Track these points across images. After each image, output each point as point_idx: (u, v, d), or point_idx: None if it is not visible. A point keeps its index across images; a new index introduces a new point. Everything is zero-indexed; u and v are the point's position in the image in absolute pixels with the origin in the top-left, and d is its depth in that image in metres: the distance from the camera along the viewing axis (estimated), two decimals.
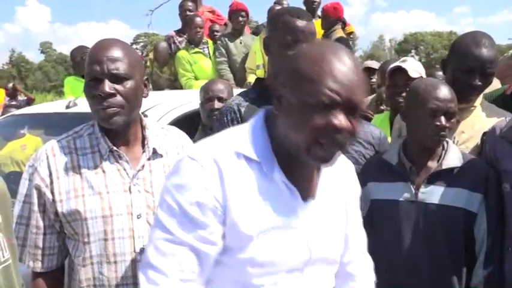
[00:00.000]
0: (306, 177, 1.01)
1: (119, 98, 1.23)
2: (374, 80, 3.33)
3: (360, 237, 1.21)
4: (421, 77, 2.20)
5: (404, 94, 2.18)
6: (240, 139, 0.98)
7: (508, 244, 1.48)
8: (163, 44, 4.52)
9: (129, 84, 1.25)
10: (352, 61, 0.92)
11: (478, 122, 1.76)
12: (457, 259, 1.53)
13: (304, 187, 1.00)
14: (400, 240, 1.56)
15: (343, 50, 0.93)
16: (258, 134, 0.99)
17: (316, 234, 1.02)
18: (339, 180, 1.10)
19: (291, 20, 1.51)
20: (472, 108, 1.79)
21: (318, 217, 1.02)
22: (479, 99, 1.83)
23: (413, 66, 2.22)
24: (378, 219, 1.64)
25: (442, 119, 1.51)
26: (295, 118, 0.92)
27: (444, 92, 1.53)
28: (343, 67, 0.89)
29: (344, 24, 4.74)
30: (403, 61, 2.27)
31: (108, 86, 1.22)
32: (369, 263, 1.23)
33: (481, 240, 1.51)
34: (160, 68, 4.39)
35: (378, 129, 2.14)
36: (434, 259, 1.53)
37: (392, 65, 2.31)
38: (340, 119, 0.88)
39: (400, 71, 2.19)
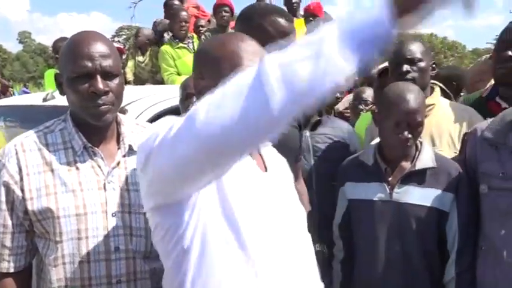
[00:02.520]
0: (252, 154, 1.11)
1: (111, 95, 1.22)
2: None
3: None
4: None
5: None
6: None
7: (481, 243, 1.52)
8: (147, 31, 4.51)
9: (117, 80, 1.24)
10: (251, 40, 1.08)
11: (443, 123, 1.86)
12: (429, 257, 1.57)
13: (256, 161, 1.11)
14: (376, 239, 1.60)
15: (241, 34, 1.12)
16: None
17: (281, 200, 1.10)
18: (280, 165, 1.21)
19: (280, 21, 1.50)
20: (431, 106, 1.87)
21: (277, 186, 1.12)
22: (436, 97, 1.92)
23: None
24: (355, 218, 1.68)
25: (405, 133, 1.56)
26: None
27: (410, 103, 1.55)
28: (248, 43, 1.06)
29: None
30: None
31: (102, 84, 1.19)
32: None
33: (452, 239, 1.56)
34: (141, 54, 4.37)
35: (344, 122, 2.18)
36: (408, 257, 1.56)
37: (380, 66, 2.35)
38: None
39: (388, 71, 2.23)
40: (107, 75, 1.21)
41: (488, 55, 2.87)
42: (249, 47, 1.05)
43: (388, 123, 1.58)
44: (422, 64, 1.87)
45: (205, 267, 0.97)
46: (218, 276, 0.97)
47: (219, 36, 1.16)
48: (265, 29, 1.49)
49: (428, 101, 1.87)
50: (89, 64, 1.19)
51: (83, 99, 1.21)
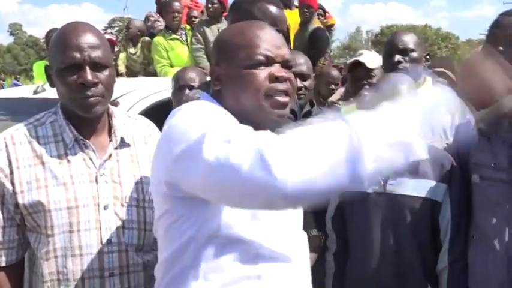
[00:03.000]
0: None
1: (100, 86, 1.20)
2: None
3: None
4: (381, 67, 2.24)
5: (366, 86, 2.24)
6: None
7: (472, 232, 1.53)
8: (138, 22, 4.47)
9: (107, 72, 1.22)
10: (271, 28, 1.10)
11: None
12: (423, 247, 1.59)
13: None
14: (370, 231, 1.60)
15: (260, 22, 1.15)
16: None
17: None
18: None
19: (269, 8, 1.50)
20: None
21: None
22: (428, 87, 1.90)
23: (370, 58, 2.27)
24: (348, 210, 1.68)
25: None
26: (241, 84, 1.03)
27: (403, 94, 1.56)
28: (266, 32, 1.07)
29: (324, 11, 4.75)
30: (360, 54, 2.32)
31: (91, 75, 1.18)
32: None
33: (445, 229, 1.57)
34: (132, 46, 4.34)
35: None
36: (401, 248, 1.57)
37: (349, 60, 2.35)
38: (277, 69, 1.04)
39: (359, 64, 2.23)
40: (96, 66, 1.20)
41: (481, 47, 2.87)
42: (267, 35, 1.05)
43: None
44: (414, 55, 1.88)
45: (210, 260, 0.97)
46: (223, 269, 0.97)
47: (238, 24, 1.15)
48: (253, 15, 1.48)
49: (420, 91, 1.87)
50: (78, 55, 1.18)
51: (71, 91, 1.20)
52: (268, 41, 1.04)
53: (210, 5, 4.04)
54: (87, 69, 1.18)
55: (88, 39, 1.19)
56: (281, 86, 1.03)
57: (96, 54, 1.19)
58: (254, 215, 0.99)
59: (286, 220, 1.08)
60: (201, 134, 0.86)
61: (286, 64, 1.06)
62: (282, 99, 1.03)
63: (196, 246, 0.97)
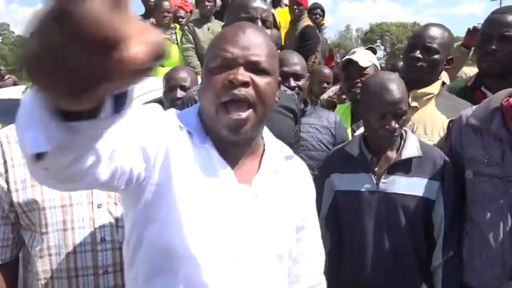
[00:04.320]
0: (237, 160, 0.97)
1: None
2: None
3: (316, 254, 1.15)
4: (374, 64, 2.25)
5: (359, 84, 2.23)
6: (178, 116, 0.98)
7: (467, 228, 1.54)
8: None
9: None
10: (253, 28, 0.96)
11: (438, 115, 1.85)
12: (417, 244, 1.59)
13: (236, 169, 0.96)
14: (364, 229, 1.60)
15: (246, 23, 1.01)
16: (191, 114, 0.99)
17: (252, 219, 0.95)
18: (293, 184, 1.06)
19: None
20: (430, 95, 1.86)
21: (255, 204, 0.96)
22: (437, 87, 1.90)
23: (363, 56, 2.25)
24: (342, 209, 1.67)
25: (392, 122, 1.55)
26: (203, 90, 0.95)
27: (393, 93, 1.54)
28: (238, 32, 0.93)
29: (323, 12, 4.77)
30: (353, 53, 2.29)
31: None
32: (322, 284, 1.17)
33: (439, 226, 1.57)
34: None
35: (333, 113, 2.17)
36: (396, 245, 1.58)
37: (343, 59, 2.33)
38: (234, 73, 0.89)
39: (352, 63, 2.21)
40: None
41: (459, 42, 2.91)
42: (234, 35, 0.92)
43: (373, 115, 1.57)
44: (436, 57, 1.82)
45: (135, 259, 0.95)
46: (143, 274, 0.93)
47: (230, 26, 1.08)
48: (231, 5, 1.50)
49: (428, 89, 1.86)
50: None
51: None
52: (232, 41, 0.91)
53: (207, 2, 4.03)
54: None
55: None
56: (235, 92, 0.88)
57: None
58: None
59: (238, 241, 0.93)
60: None
61: (253, 66, 0.90)
62: (235, 115, 0.89)
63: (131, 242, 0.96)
